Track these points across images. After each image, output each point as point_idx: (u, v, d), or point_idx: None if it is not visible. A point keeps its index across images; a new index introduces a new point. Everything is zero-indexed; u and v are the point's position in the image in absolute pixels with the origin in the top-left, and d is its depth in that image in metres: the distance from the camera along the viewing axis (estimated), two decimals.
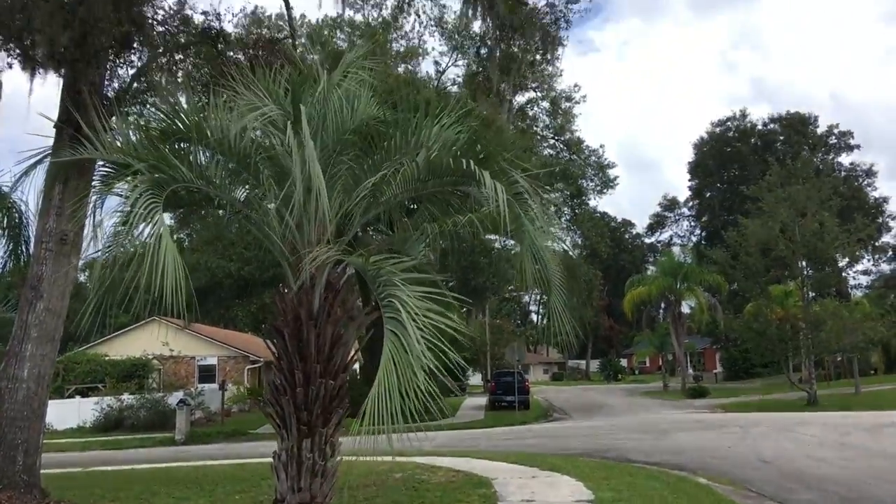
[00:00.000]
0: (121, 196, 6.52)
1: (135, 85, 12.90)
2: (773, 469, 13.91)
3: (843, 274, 36.92)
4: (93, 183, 7.47)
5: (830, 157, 62.07)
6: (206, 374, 43.85)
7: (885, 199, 63.25)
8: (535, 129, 35.19)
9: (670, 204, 78.78)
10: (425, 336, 5.46)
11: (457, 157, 6.71)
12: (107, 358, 40.06)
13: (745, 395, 41.20)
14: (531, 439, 21.61)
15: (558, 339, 7.15)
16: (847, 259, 35.76)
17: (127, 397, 33.49)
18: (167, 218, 6.42)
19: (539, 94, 29.81)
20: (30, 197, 11.52)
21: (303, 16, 33.96)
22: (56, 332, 11.14)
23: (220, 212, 8.09)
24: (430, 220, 8.31)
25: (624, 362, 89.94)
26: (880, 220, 58.41)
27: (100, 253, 7.23)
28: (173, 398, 32.72)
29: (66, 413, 32.51)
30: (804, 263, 33.24)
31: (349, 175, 7.31)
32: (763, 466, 14.26)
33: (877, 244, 56.04)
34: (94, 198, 7.42)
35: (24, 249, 10.91)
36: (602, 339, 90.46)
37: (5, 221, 10.55)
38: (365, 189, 6.82)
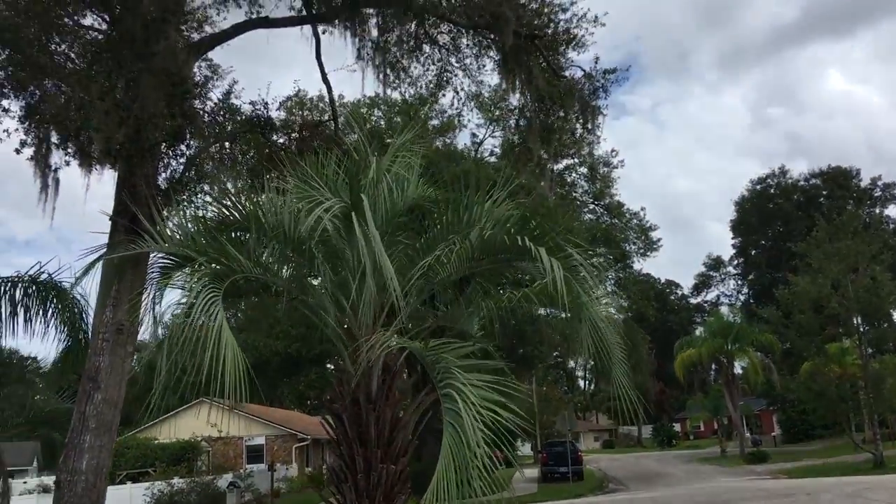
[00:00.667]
0: (180, 288, 6.61)
1: (186, 173, 13.26)
2: None
3: None
4: (150, 273, 7.58)
5: (877, 211, 60.99)
6: (254, 454, 43.69)
7: None
8: (574, 195, 35.20)
9: (715, 263, 77.73)
10: (483, 422, 5.39)
11: (511, 234, 6.70)
12: (156, 441, 40.20)
13: (808, 459, 39.60)
14: None
15: (621, 407, 6.96)
16: None
17: (177, 481, 33.39)
18: None
19: (577, 160, 29.99)
20: (89, 289, 11.78)
21: (340, 96, 34.89)
22: (113, 423, 11.21)
23: (275, 297, 8.13)
24: (484, 294, 8.28)
25: (677, 427, 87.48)
26: None
27: (160, 346, 7.30)
28: (223, 481, 32.57)
29: (118, 499, 32.37)
30: (859, 320, 32.22)
31: (403, 256, 7.33)
32: None
33: None
34: (151, 289, 7.54)
35: (83, 341, 11.08)
36: (653, 404, 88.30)
37: (65, 315, 10.78)
38: (420, 269, 6.82)
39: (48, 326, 11.42)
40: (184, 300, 6.38)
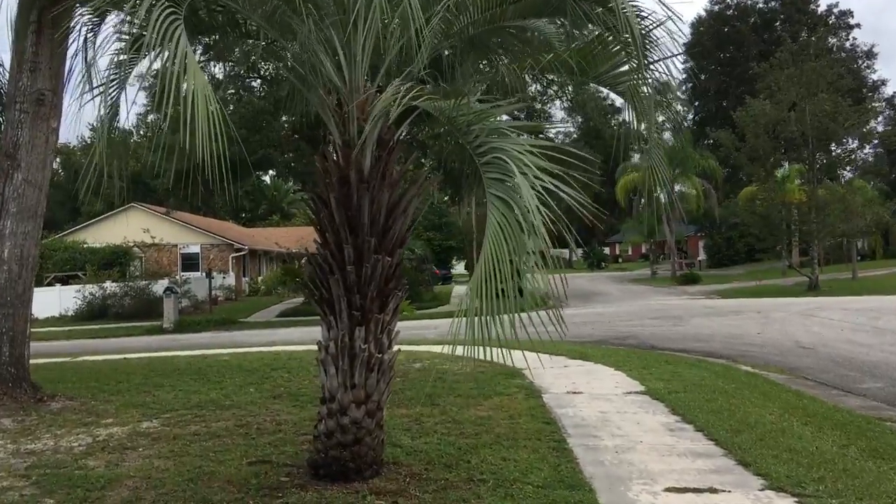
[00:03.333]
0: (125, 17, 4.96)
1: None
2: (819, 356, 13.10)
3: (853, 156, 35.72)
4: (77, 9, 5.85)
5: (832, 39, 60.03)
6: (190, 262, 42.70)
7: (884, 82, 62.01)
8: None
9: (662, 88, 76.07)
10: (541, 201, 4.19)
11: None
12: (85, 245, 38.57)
13: (738, 281, 40.77)
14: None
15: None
16: (857, 141, 34.49)
17: (110, 285, 32.27)
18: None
19: None
20: None
21: None
22: (38, 208, 9.68)
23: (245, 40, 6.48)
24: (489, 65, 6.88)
25: (606, 251, 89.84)
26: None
27: (95, 101, 5.75)
28: (158, 286, 31.55)
29: (47, 301, 31.23)
30: (813, 145, 31.98)
31: None
32: (807, 353, 13.45)
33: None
34: (83, 31, 5.86)
35: None
36: (584, 228, 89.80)
37: None
38: (444, 6, 5.25)
39: None
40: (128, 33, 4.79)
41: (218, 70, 12.32)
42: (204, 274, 36.32)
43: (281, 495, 5.53)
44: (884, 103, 55.45)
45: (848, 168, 37.91)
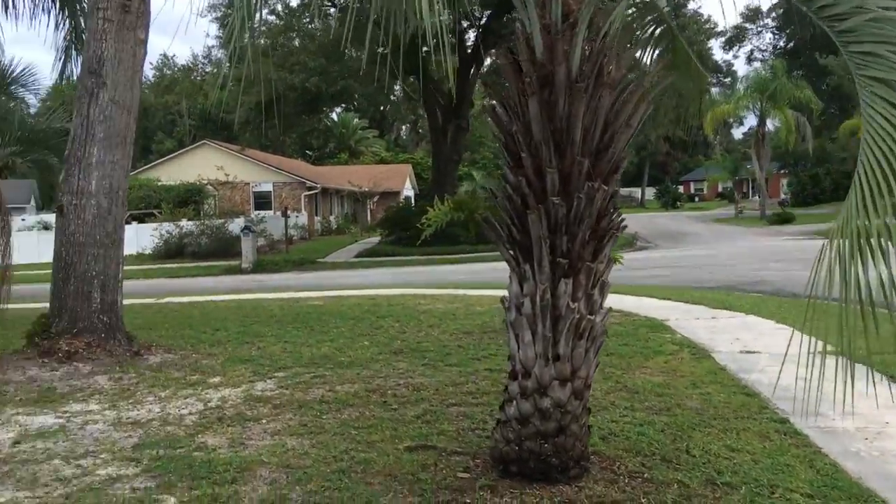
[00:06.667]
0: None
1: None
2: None
3: None
4: None
5: None
6: (262, 200, 41.99)
7: None
8: None
9: (752, 14, 71.46)
10: None
11: None
12: (160, 183, 38.03)
13: (833, 221, 37.93)
14: (644, 271, 18.83)
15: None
16: None
17: (186, 224, 31.61)
18: None
19: None
20: None
21: None
22: (128, 133, 8.39)
23: None
24: None
25: (680, 189, 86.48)
26: None
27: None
28: (234, 225, 30.76)
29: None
30: None
31: None
32: None
33: None
34: None
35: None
36: (657, 166, 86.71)
37: None
38: None
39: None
40: None
41: None
42: (278, 213, 35.43)
43: (468, 501, 4.17)
44: None
45: None
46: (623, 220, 4.60)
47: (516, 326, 4.49)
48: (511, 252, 4.52)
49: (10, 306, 10.18)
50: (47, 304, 9.00)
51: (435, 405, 6.24)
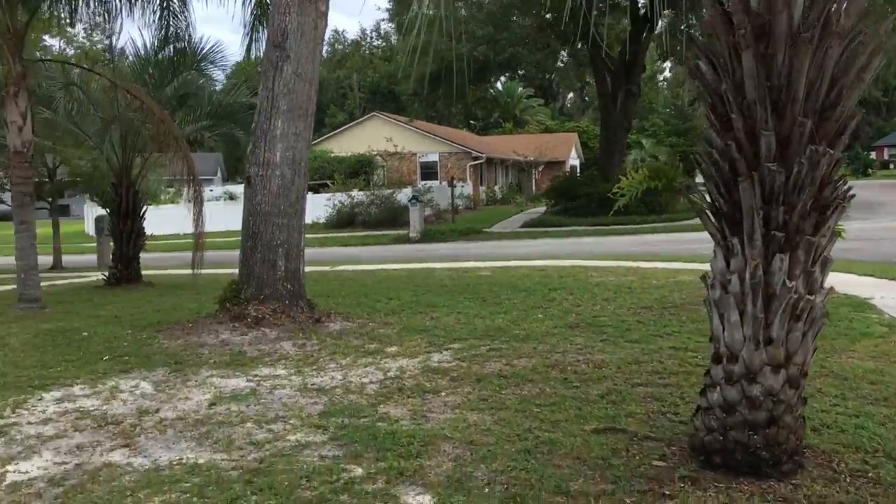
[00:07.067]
0: None
1: None
2: None
3: None
4: None
5: None
6: (428, 170, 42.61)
7: None
8: None
9: None
10: None
11: None
12: (332, 154, 39.52)
13: None
14: (837, 243, 17.18)
15: None
16: None
17: (357, 194, 32.66)
18: None
19: None
20: None
21: None
22: (309, 105, 8.58)
23: None
24: None
25: (872, 155, 79.36)
26: None
27: None
28: (401, 195, 31.43)
29: None
30: None
31: None
32: None
33: None
34: None
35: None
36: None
37: None
38: None
39: None
40: None
41: None
42: (444, 183, 35.83)
43: (667, 492, 3.85)
44: None
45: None
46: (850, 188, 4.05)
47: (721, 305, 4.09)
48: (716, 224, 4.11)
49: (203, 271, 10.86)
50: (234, 271, 9.46)
51: (619, 384, 5.92)
